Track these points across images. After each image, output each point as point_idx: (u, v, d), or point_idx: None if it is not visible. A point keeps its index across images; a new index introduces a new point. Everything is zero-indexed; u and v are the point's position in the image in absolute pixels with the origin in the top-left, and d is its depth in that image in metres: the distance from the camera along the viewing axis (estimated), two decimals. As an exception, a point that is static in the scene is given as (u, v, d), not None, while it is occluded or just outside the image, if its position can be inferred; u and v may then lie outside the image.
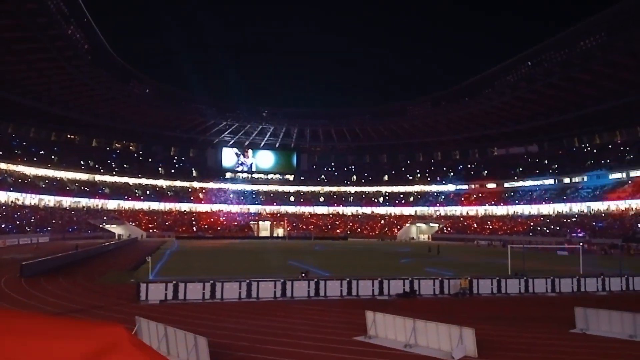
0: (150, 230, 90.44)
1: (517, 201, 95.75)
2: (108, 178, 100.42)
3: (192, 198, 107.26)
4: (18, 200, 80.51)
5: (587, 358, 12.86)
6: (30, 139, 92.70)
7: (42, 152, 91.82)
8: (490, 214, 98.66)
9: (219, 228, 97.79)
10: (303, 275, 25.77)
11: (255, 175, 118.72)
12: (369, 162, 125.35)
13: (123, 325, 1.56)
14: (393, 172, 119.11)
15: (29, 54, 65.68)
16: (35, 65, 69.57)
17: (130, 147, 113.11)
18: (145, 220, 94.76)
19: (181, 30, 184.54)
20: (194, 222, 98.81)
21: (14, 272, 27.74)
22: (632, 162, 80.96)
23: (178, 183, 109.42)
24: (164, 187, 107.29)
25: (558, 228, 79.46)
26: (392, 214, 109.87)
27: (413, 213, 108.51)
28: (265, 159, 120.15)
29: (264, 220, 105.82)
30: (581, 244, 45.01)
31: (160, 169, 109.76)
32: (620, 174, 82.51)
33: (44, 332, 1.55)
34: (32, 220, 75.41)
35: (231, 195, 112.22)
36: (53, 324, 1.65)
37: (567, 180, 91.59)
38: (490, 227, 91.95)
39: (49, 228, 74.64)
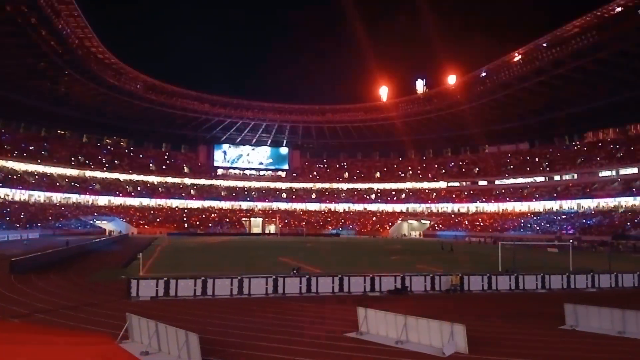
0: (141, 227, 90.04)
1: (507, 198, 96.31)
2: (99, 174, 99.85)
3: (183, 194, 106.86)
4: (7, 196, 79.86)
5: (576, 354, 12.96)
6: (20, 135, 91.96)
7: (32, 147, 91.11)
8: (481, 211, 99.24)
9: (210, 225, 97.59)
10: (294, 271, 25.78)
11: (247, 172, 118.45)
12: (361, 159, 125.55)
13: (111, 338, 1.54)
14: (385, 169, 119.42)
15: (18, 49, 65.03)
16: (24, 60, 68.91)
17: (121, 143, 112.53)
18: (136, 217, 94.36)
19: (172, 26, 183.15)
20: (185, 219, 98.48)
21: (3, 269, 27.47)
22: (621, 160, 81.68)
23: (169, 179, 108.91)
24: (155, 183, 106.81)
25: (548, 225, 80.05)
26: (384, 211, 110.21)
27: (405, 210, 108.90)
28: (257, 155, 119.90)
29: (256, 217, 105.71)
30: (571, 240, 45.35)
31: (151, 165, 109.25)
32: (609, 171, 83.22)
33: (33, 351, 1.56)
34: (22, 216, 74.80)
35: (223, 192, 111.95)
36: (43, 335, 1.64)
37: (557, 177, 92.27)
38: (481, 224, 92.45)
39: (39, 224, 74.11)
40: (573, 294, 23.13)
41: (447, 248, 53.82)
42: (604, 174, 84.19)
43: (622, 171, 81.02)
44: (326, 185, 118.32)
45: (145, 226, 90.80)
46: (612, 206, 78.02)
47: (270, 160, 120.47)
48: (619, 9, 59.46)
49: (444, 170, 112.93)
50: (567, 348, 13.50)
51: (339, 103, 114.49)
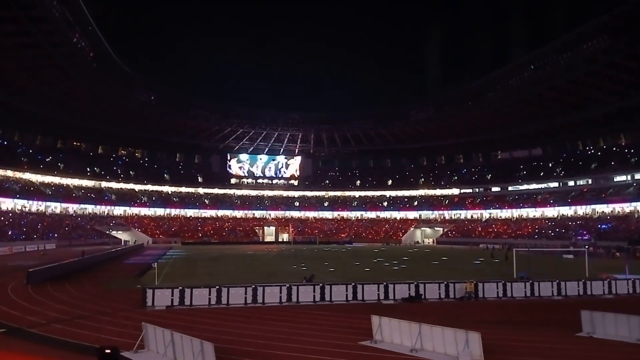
0: (156, 236, 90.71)
1: (521, 204, 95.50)
2: (114, 184, 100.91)
3: (197, 204, 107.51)
4: (25, 207, 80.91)
5: (593, 361, 12.83)
6: (37, 146, 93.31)
7: (48, 159, 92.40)
8: (494, 217, 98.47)
9: (224, 233, 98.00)
10: (307, 280, 25.78)
11: (260, 181, 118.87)
12: (372, 166, 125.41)
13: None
14: (397, 176, 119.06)
15: (34, 61, 66.09)
16: (40, 72, 69.98)
17: (136, 154, 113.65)
18: (151, 226, 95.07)
19: (185, 38, 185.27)
20: (199, 228, 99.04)
21: (20, 279, 27.88)
22: (636, 165, 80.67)
23: (183, 189, 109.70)
24: (170, 193, 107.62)
25: (563, 231, 79.19)
26: (397, 218, 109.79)
27: (417, 217, 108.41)
28: (269, 164, 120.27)
29: (269, 226, 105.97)
30: (586, 246, 44.81)
31: (165, 175, 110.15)
32: (624, 176, 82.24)
33: None
34: (39, 227, 75.73)
35: (236, 201, 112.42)
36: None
37: (571, 183, 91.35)
38: (495, 230, 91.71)
39: (56, 235, 74.93)
40: (589, 300, 22.87)
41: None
42: (619, 178, 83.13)
43: (638, 176, 79.98)
44: (338, 193, 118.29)
45: (160, 236, 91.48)
46: (628, 211, 77.00)
47: (283, 169, 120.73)
48: (630, 13, 58.93)
49: (456, 177, 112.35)
50: (584, 356, 13.37)
51: (350, 110, 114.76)
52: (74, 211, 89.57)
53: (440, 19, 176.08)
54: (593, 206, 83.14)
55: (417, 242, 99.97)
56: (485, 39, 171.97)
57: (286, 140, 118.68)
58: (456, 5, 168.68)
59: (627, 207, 77.70)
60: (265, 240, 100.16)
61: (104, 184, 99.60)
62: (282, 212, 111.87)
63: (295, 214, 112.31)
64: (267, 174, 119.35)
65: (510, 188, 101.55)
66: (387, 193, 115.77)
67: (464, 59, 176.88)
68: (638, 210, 75.22)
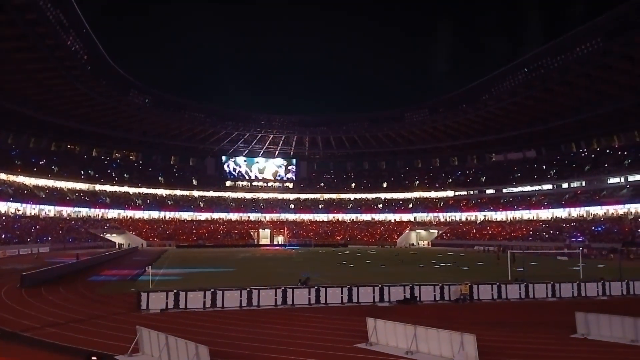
0: (151, 239, 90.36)
1: (515, 206, 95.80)
2: (108, 187, 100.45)
3: (192, 206, 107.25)
4: (18, 210, 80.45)
5: (588, 363, 12.87)
6: (30, 149, 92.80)
7: (42, 162, 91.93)
8: (489, 219, 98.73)
9: (219, 236, 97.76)
10: (302, 282, 25.73)
11: (255, 183, 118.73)
12: (367, 169, 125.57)
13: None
14: (392, 178, 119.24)
15: (29, 64, 65.72)
16: (35, 75, 69.56)
17: (130, 157, 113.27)
18: (146, 229, 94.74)
19: (180, 40, 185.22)
20: (194, 231, 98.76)
21: (14, 283, 27.70)
22: (630, 167, 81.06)
23: (178, 192, 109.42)
24: (164, 195, 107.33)
25: (557, 233, 79.47)
26: (392, 220, 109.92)
27: (412, 219, 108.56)
28: (264, 166, 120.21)
29: (264, 228, 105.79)
30: (580, 248, 44.98)
31: (160, 177, 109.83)
32: (618, 178, 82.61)
33: None
34: (33, 231, 75.34)
35: (231, 204, 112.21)
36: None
37: (565, 185, 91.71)
38: (490, 232, 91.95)
39: (50, 238, 74.53)
40: (584, 302, 22.98)
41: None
42: (613, 180, 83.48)
43: (631, 178, 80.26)
44: (333, 196, 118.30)
45: (155, 239, 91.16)
46: (622, 213, 77.35)
47: (278, 172, 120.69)
48: (623, 14, 59.28)
49: (450, 179, 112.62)
50: (579, 357, 13.43)
51: (345, 112, 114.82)
52: (68, 214, 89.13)
53: (440, 22, 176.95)
54: (587, 208, 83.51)
55: (412, 244, 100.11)
56: (485, 42, 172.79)
57: (281, 142, 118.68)
58: (458, 9, 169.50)
59: (620, 209, 78.03)
60: (261, 243, 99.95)
61: (98, 187, 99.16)
62: (277, 214, 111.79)
63: (290, 216, 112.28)
64: (262, 176, 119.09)
65: (504, 190, 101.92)
66: (382, 195, 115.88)
67: (462, 62, 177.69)
68: (631, 212, 75.59)
